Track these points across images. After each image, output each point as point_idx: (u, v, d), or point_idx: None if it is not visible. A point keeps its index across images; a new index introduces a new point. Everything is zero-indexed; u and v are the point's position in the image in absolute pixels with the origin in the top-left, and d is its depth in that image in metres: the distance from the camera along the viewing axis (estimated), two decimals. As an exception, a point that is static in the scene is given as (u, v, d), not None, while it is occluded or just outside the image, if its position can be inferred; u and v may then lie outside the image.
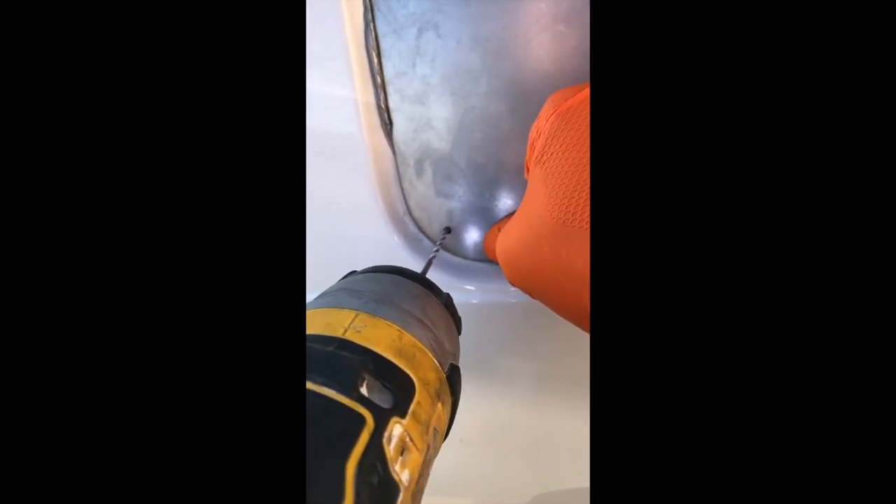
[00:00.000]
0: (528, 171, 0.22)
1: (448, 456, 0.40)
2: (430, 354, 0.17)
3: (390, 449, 0.14)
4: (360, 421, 0.13)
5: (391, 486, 0.13)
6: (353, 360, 0.15)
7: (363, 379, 0.15)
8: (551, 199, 0.18)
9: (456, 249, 0.34)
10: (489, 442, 0.41)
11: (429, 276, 0.25)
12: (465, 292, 0.33)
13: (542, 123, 0.20)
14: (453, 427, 0.20)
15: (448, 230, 0.33)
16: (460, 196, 0.32)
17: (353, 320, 0.17)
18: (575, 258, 0.17)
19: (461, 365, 0.21)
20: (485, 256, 0.34)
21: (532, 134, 0.21)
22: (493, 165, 0.31)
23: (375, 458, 0.13)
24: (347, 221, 0.34)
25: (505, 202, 0.32)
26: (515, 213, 0.23)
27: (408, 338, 0.17)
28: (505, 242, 0.23)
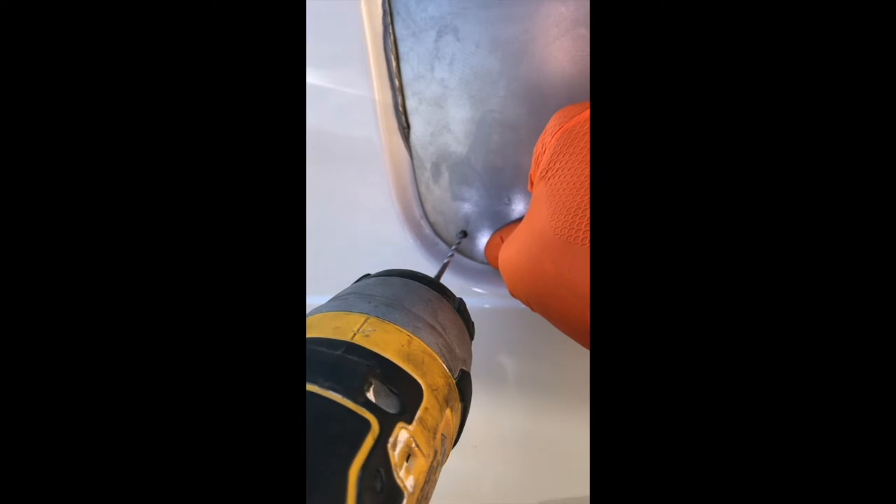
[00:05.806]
0: (531, 184, 0.22)
1: (461, 462, 0.40)
2: (439, 360, 0.17)
3: (395, 454, 0.14)
4: (366, 426, 0.13)
5: (395, 492, 0.13)
6: (359, 365, 0.15)
7: (370, 384, 0.15)
8: (555, 216, 0.19)
9: (471, 253, 0.34)
10: (502, 447, 0.41)
11: (442, 279, 0.25)
12: (478, 296, 0.33)
13: (548, 139, 0.20)
14: (466, 432, 0.20)
15: (464, 234, 0.33)
16: (476, 200, 0.32)
17: (363, 324, 0.17)
18: (576, 275, 0.18)
19: (473, 368, 0.21)
20: (500, 261, 0.34)
21: (537, 149, 0.21)
22: (511, 169, 0.31)
23: (379, 463, 0.13)
24: (364, 224, 0.34)
25: (521, 206, 0.32)
26: (519, 226, 0.23)
27: (417, 343, 0.17)
28: (507, 255, 0.23)
